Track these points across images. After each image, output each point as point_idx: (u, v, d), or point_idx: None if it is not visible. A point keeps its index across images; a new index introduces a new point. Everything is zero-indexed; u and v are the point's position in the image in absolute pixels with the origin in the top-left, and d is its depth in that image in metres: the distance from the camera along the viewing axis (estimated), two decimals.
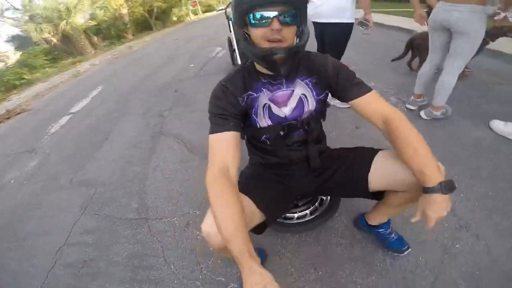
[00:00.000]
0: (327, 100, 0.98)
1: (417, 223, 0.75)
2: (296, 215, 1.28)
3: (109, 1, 13.22)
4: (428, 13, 2.61)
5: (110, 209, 1.73)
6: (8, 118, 4.57)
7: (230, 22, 3.56)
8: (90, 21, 12.21)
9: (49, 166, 2.50)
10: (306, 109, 0.90)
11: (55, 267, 1.42)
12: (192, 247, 1.34)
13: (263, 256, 1.22)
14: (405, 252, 1.13)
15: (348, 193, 1.05)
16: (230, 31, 3.70)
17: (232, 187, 0.73)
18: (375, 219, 1.15)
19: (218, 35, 8.71)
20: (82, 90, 5.21)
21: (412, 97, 2.30)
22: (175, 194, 1.74)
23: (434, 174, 0.70)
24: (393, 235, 1.16)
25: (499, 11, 1.61)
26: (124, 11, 14.34)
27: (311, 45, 0.97)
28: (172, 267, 1.26)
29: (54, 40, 11.06)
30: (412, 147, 0.73)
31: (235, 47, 3.62)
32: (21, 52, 10.82)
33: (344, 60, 1.90)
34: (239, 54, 3.56)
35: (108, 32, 13.45)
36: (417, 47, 2.72)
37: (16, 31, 12.24)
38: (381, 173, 0.88)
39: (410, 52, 2.92)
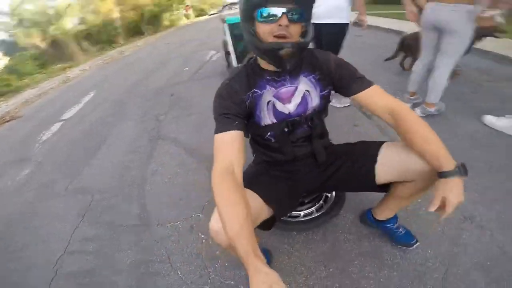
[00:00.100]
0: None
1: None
2: (302, 213, 1.28)
3: (99, 5, 13.08)
4: (419, 12, 2.69)
5: (110, 216, 1.69)
6: None
7: (225, 25, 3.57)
8: (79, 26, 12.02)
9: (43, 174, 2.43)
10: (310, 105, 0.91)
11: (57, 277, 1.37)
12: (198, 251, 1.31)
13: (268, 256, 1.20)
14: (414, 246, 1.14)
15: (354, 187, 1.06)
16: (225, 34, 3.71)
17: (238, 186, 0.73)
18: (382, 214, 1.16)
19: (211, 39, 8.70)
20: (73, 96, 5.11)
21: (406, 95, 2.35)
22: (176, 198, 1.71)
23: (449, 158, 0.72)
24: (400, 229, 1.17)
25: (486, 9, 1.64)
26: (115, 15, 14.21)
27: None
28: (179, 273, 1.23)
29: (43, 45, 10.83)
30: (423, 135, 0.77)
31: (231, 49, 3.63)
32: (9, 58, 10.54)
33: None
34: (235, 57, 3.57)
35: (99, 37, 13.27)
36: (408, 47, 2.79)
37: (4, 36, 11.96)
38: (389, 164, 0.89)
39: (402, 52, 2.99)
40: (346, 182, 1.01)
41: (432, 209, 0.72)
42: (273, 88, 0.87)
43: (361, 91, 0.86)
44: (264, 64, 0.86)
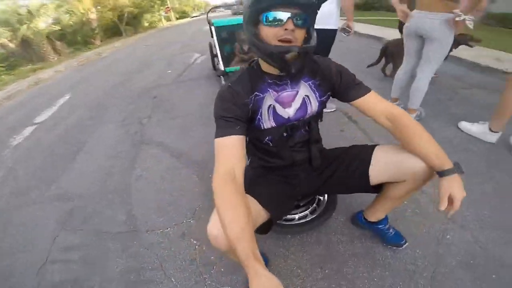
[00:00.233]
0: None
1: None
2: (297, 216, 1.29)
3: (76, 5, 12.50)
4: (401, 23, 2.83)
5: (93, 223, 1.60)
6: None
7: (212, 27, 3.56)
8: (53, 26, 11.38)
9: (15, 181, 2.25)
10: (309, 110, 0.93)
11: None
12: (192, 258, 1.27)
13: (266, 259, 1.20)
14: (404, 246, 1.19)
15: (349, 189, 1.08)
16: (212, 37, 3.69)
17: (239, 190, 0.73)
18: (374, 216, 1.19)
19: (194, 41, 8.64)
20: (46, 98, 4.81)
21: (389, 101, 2.46)
22: (165, 204, 1.65)
23: (447, 157, 0.79)
24: (391, 230, 1.21)
25: (460, 13, 1.71)
26: (93, 16, 13.62)
27: None
28: (173, 280, 1.18)
29: (12, 45, 10.13)
30: (423, 137, 0.82)
31: (218, 52, 3.61)
32: None
33: None
34: (221, 60, 3.56)
35: (74, 37, 12.63)
36: (390, 54, 2.93)
37: None
38: (383, 165, 0.93)
39: (384, 58, 3.13)
40: (342, 184, 1.04)
41: (443, 207, 0.77)
42: (274, 92, 0.88)
43: (360, 97, 0.90)
44: (266, 67, 0.86)
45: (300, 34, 0.75)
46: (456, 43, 2.35)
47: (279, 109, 0.89)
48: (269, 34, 0.74)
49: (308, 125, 0.97)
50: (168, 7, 20.84)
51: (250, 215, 0.71)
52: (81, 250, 1.43)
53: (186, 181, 1.85)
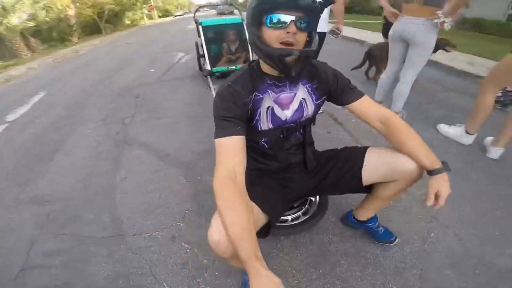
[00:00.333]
0: None
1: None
2: (290, 217, 1.29)
3: (54, 1, 11.79)
4: (386, 26, 2.93)
5: (75, 227, 1.50)
6: None
7: (200, 27, 3.51)
8: (27, 22, 10.67)
9: None
10: (305, 113, 0.94)
11: None
12: (183, 261, 1.23)
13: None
14: (394, 242, 1.22)
15: (343, 190, 1.10)
16: (199, 36, 3.64)
17: (240, 191, 0.73)
18: (364, 215, 1.23)
19: (178, 40, 8.47)
20: (18, 96, 4.49)
21: None
22: (153, 207, 1.59)
23: (436, 158, 0.84)
24: (380, 228, 1.25)
25: (441, 15, 1.79)
26: (71, 12, 12.94)
27: None
28: (165, 285, 1.14)
29: None
30: (414, 139, 0.87)
31: (205, 52, 3.56)
32: None
33: None
34: (208, 60, 3.52)
35: (49, 34, 11.91)
36: (374, 57, 3.03)
37: None
38: (375, 166, 0.96)
39: (368, 62, 3.24)
40: (335, 186, 1.06)
41: (430, 203, 0.83)
42: (273, 93, 0.88)
43: (355, 101, 0.93)
44: (266, 68, 0.86)
45: (301, 38, 0.76)
46: (435, 48, 2.48)
47: (278, 110, 0.89)
48: (271, 36, 0.74)
49: (303, 128, 0.98)
50: (151, 5, 20.34)
51: (251, 215, 0.71)
52: (62, 255, 1.34)
53: (173, 183, 1.80)
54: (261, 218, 0.87)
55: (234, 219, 0.67)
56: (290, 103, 0.90)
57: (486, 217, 1.40)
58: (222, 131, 0.78)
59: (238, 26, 3.65)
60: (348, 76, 0.98)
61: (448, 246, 1.25)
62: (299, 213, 1.31)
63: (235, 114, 0.80)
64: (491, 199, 1.51)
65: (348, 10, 12.03)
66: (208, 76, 3.90)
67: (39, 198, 1.79)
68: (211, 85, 3.65)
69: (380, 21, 6.01)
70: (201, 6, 4.57)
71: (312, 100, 0.93)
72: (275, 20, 0.72)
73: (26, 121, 3.26)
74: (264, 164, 1.02)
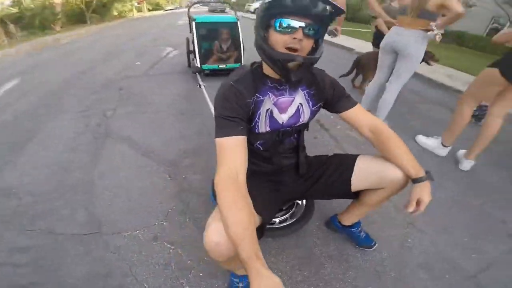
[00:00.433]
0: None
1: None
2: (277, 220, 1.29)
3: None
4: (376, 36, 3.02)
5: (46, 223, 1.40)
6: None
7: (193, 22, 3.45)
8: (10, 8, 9.94)
9: None
10: (301, 118, 0.95)
11: None
12: (166, 262, 1.19)
13: None
14: (374, 247, 1.26)
15: (332, 195, 1.12)
16: (191, 32, 3.57)
17: (242, 192, 0.73)
18: (348, 220, 1.26)
19: (167, 35, 8.28)
20: None
21: None
22: (134, 205, 1.53)
23: (420, 167, 0.88)
24: (362, 233, 1.28)
25: (435, 27, 1.89)
26: (58, 0, 12.29)
27: None
28: (146, 286, 1.09)
29: None
30: (401, 148, 0.91)
31: (196, 48, 3.50)
32: None
33: None
34: (198, 57, 3.47)
35: (32, 21, 11.16)
36: (362, 66, 3.11)
37: None
38: (366, 174, 0.98)
39: (355, 70, 3.32)
40: (325, 191, 1.08)
41: (411, 209, 0.87)
42: (273, 96, 0.88)
43: (348, 109, 0.96)
44: (268, 71, 0.86)
45: (307, 44, 0.76)
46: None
47: (276, 113, 0.90)
48: (278, 39, 0.74)
49: (297, 132, 1.00)
50: None
51: (252, 216, 0.71)
52: (32, 252, 1.25)
53: (157, 180, 1.74)
54: (255, 220, 0.87)
55: (236, 219, 0.66)
56: (288, 107, 0.91)
57: (457, 224, 1.50)
58: (224, 131, 0.78)
59: (232, 25, 3.63)
60: None
61: (423, 251, 1.31)
62: (287, 215, 1.32)
63: (238, 114, 0.79)
64: (461, 208, 1.62)
65: None
66: (197, 73, 3.85)
67: (5, 190, 1.66)
68: (200, 82, 3.60)
69: (369, 30, 6.23)
70: (194, 2, 4.48)
71: (309, 106, 0.95)
72: (284, 25, 0.72)
73: None
74: (257, 166, 1.02)
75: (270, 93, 0.87)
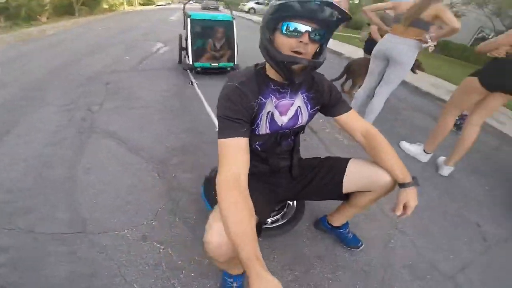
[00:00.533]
0: None
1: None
2: (269, 220, 1.30)
3: None
4: (368, 43, 3.09)
5: (26, 222, 1.34)
6: None
7: (189, 19, 3.39)
8: None
9: None
10: (300, 121, 0.97)
11: None
12: (156, 262, 1.16)
13: None
14: (360, 248, 1.30)
15: (324, 196, 1.14)
16: (185, 28, 3.52)
17: (243, 193, 0.73)
18: (338, 221, 1.29)
19: (158, 29, 8.12)
20: None
21: None
22: (121, 203, 1.48)
23: (408, 172, 0.92)
24: (349, 234, 1.32)
25: (429, 40, 1.97)
26: None
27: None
28: (136, 286, 1.06)
29: None
30: (391, 154, 0.94)
31: (189, 45, 3.45)
32: None
33: None
34: (191, 54, 3.42)
35: (17, 12, 10.55)
36: (353, 71, 3.18)
37: None
38: (356, 177, 1.01)
39: (346, 75, 3.38)
40: (317, 192, 1.10)
41: (398, 212, 0.91)
42: (275, 99, 0.89)
43: (343, 113, 0.99)
44: (272, 73, 0.86)
45: (312, 48, 0.77)
46: None
47: (277, 116, 0.91)
48: (284, 42, 0.75)
49: (295, 134, 1.02)
50: None
51: (253, 218, 0.71)
52: (11, 252, 1.18)
53: (145, 178, 1.70)
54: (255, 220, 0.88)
55: (236, 219, 0.67)
56: (288, 110, 0.92)
57: (436, 227, 1.57)
58: (228, 132, 0.78)
59: (227, 24, 3.60)
60: None
61: (406, 252, 1.37)
62: (278, 216, 1.33)
63: (242, 116, 0.80)
64: (440, 212, 1.70)
65: None
66: (188, 71, 3.80)
67: None
68: (192, 80, 3.55)
69: (359, 36, 6.37)
70: None
71: (307, 108, 0.96)
72: (291, 28, 0.73)
73: None
74: (254, 167, 1.02)
75: (272, 96, 0.88)
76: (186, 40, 3.54)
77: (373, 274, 1.22)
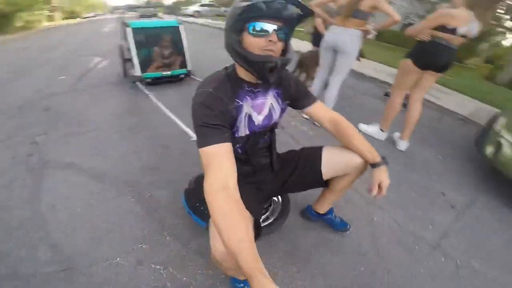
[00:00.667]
0: None
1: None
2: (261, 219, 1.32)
3: None
4: (314, 36, 3.26)
5: (6, 268, 1.17)
6: None
7: (128, 29, 3.17)
8: None
9: None
10: (274, 118, 1.00)
11: None
12: (162, 284, 1.12)
13: None
14: (349, 230, 1.41)
15: (307, 185, 1.21)
16: (125, 39, 3.28)
17: (235, 200, 0.71)
18: (322, 208, 1.37)
19: (91, 43, 7.40)
20: None
21: None
22: (103, 232, 1.37)
23: (377, 153, 1.01)
24: (337, 218, 1.42)
25: (373, 30, 2.16)
26: None
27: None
28: None
29: None
30: (358, 138, 1.03)
31: (133, 56, 3.23)
32: None
33: None
34: (138, 65, 3.22)
35: None
36: (304, 65, 3.33)
37: None
38: (332, 162, 1.10)
39: (298, 68, 3.52)
40: (299, 183, 1.16)
41: (375, 192, 0.98)
42: (250, 99, 0.90)
43: (310, 105, 1.05)
44: (243, 74, 0.86)
45: (280, 46, 0.80)
46: None
47: (254, 116, 0.92)
48: (253, 43, 0.76)
49: (270, 131, 1.05)
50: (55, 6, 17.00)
51: (247, 222, 0.69)
52: None
53: (120, 204, 1.58)
54: (251, 223, 0.87)
55: (230, 228, 0.65)
56: (263, 108, 0.95)
57: (407, 199, 1.75)
58: (209, 139, 0.76)
59: (174, 30, 3.45)
60: None
61: (389, 227, 1.51)
62: (267, 213, 1.37)
63: (221, 121, 0.79)
64: (406, 184, 1.89)
65: None
66: (139, 83, 3.58)
67: None
68: (147, 92, 3.35)
69: (302, 29, 6.68)
70: (125, 10, 4.12)
71: (279, 104, 1.00)
72: (258, 28, 0.75)
73: None
74: (238, 169, 1.03)
75: (247, 97, 0.89)
76: (129, 50, 3.31)
77: (367, 252, 1.33)
